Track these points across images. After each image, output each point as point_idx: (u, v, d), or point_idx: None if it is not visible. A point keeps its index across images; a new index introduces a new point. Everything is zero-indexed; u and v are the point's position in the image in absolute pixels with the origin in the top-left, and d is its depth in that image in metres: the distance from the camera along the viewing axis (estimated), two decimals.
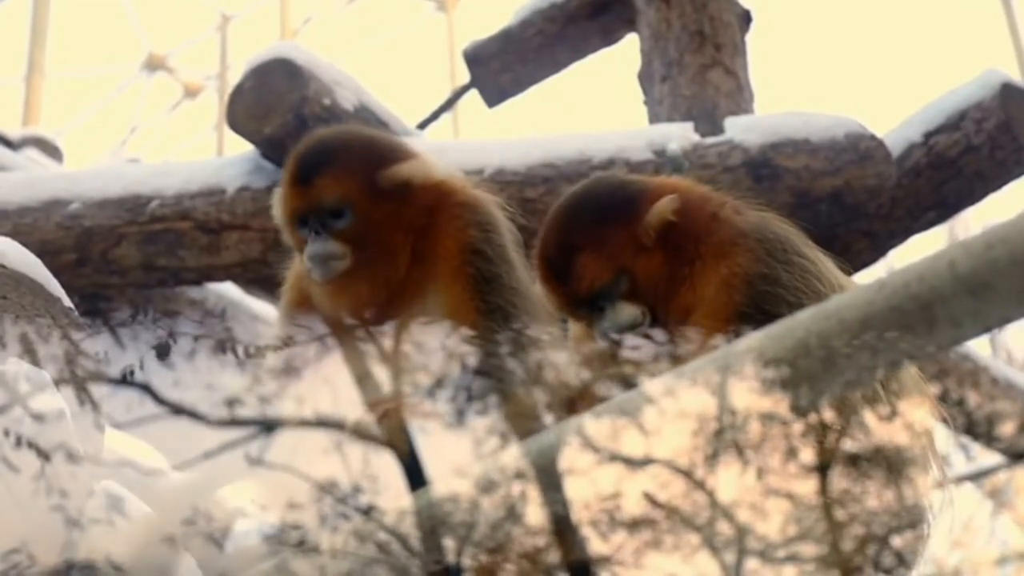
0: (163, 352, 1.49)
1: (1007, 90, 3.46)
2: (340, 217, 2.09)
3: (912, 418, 1.63)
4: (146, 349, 1.52)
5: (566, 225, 2.16)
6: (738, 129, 3.35)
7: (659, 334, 1.68)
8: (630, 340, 1.86)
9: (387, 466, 1.43)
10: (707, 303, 1.99)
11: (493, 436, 1.40)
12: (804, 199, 3.24)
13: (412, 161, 2.16)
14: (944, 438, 1.95)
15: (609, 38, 4.12)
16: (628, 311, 2.06)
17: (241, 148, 3.39)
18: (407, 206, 2.12)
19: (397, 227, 2.11)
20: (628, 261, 2.08)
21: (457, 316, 1.99)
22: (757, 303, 1.95)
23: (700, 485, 1.29)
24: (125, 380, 1.42)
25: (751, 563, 1.28)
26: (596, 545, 1.32)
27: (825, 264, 2.07)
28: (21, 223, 3.26)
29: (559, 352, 1.64)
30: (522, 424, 1.44)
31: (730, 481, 1.29)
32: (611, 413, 1.36)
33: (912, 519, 1.57)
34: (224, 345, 1.49)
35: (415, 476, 1.46)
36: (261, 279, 3.27)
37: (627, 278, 2.07)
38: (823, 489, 1.31)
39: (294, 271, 2.24)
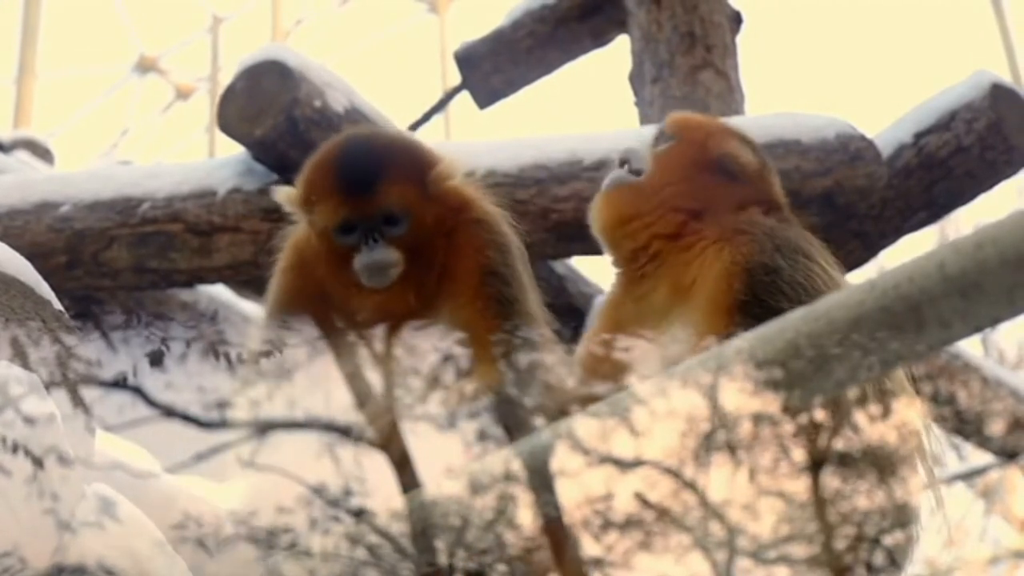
0: (156, 360, 1.49)
1: (997, 91, 3.47)
2: (396, 224, 2.07)
3: (900, 418, 1.64)
4: (138, 352, 1.51)
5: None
6: None
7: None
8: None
9: (378, 468, 1.43)
10: (707, 289, 2.00)
11: (485, 438, 1.40)
12: (795, 200, 3.22)
13: (446, 162, 2.15)
14: (934, 438, 1.95)
15: (600, 39, 4.12)
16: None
17: (233, 150, 3.38)
18: (444, 209, 2.12)
19: (439, 231, 2.11)
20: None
21: (475, 334, 1.98)
22: (756, 292, 1.95)
23: (692, 486, 1.29)
24: (116, 383, 1.42)
25: (741, 563, 1.28)
26: (589, 546, 1.32)
27: (837, 271, 2.07)
28: (11, 225, 3.25)
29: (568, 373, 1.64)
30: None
31: (721, 481, 1.30)
32: (603, 414, 1.36)
33: (901, 519, 1.57)
34: (216, 350, 1.48)
35: (407, 478, 1.46)
36: (252, 281, 3.26)
37: None
38: (812, 489, 1.32)
39: (294, 254, 2.18)
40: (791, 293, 1.94)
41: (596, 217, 2.22)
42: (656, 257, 2.12)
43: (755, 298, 1.93)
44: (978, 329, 1.25)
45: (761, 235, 2.03)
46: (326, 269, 2.11)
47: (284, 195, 2.15)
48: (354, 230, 2.06)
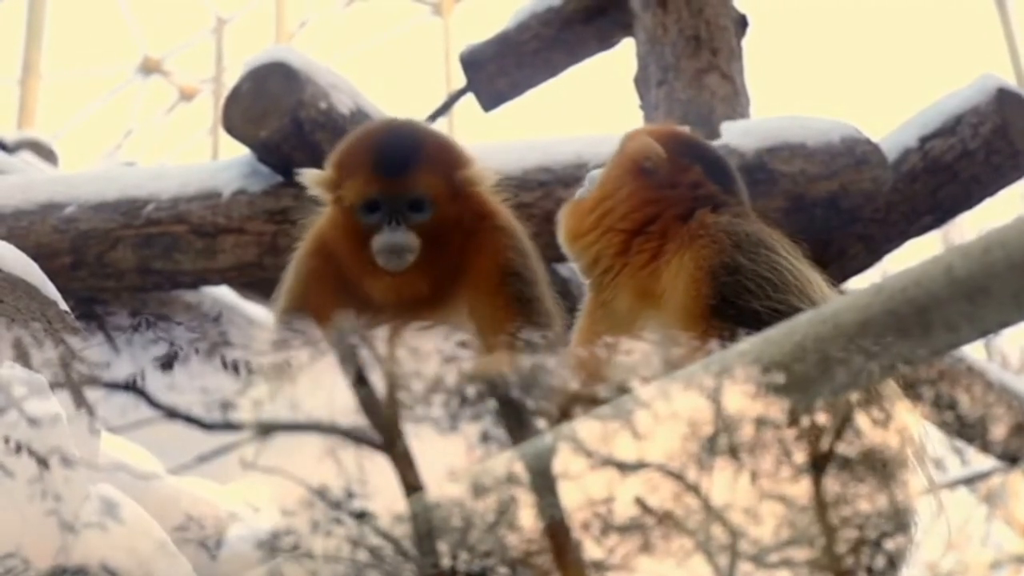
0: (168, 364, 1.49)
1: (1003, 95, 3.46)
2: (420, 210, 2.10)
3: (898, 422, 1.64)
4: (142, 353, 1.51)
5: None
6: (734, 133, 3.35)
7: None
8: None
9: (381, 470, 1.42)
10: (677, 298, 2.01)
11: (488, 440, 1.40)
12: (800, 203, 3.24)
13: (478, 167, 2.18)
14: (934, 443, 1.95)
15: (605, 42, 4.12)
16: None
17: (237, 151, 3.39)
18: (467, 209, 2.15)
19: (458, 229, 2.14)
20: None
21: (493, 332, 1.99)
22: (724, 295, 1.96)
23: (696, 489, 1.29)
24: (120, 384, 1.42)
25: (743, 567, 1.28)
26: (591, 549, 1.32)
27: (801, 261, 2.07)
28: (16, 226, 3.25)
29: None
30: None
31: (725, 485, 1.29)
32: (607, 417, 1.36)
33: (898, 523, 1.57)
34: (224, 361, 1.48)
35: (410, 480, 1.45)
36: (256, 282, 3.26)
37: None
38: (812, 493, 1.31)
39: (317, 239, 2.20)
40: (757, 290, 1.95)
41: (558, 233, 2.29)
42: (609, 271, 2.18)
43: (724, 300, 1.96)
44: (985, 333, 1.24)
45: (718, 234, 2.05)
46: (345, 248, 2.14)
47: (311, 176, 2.18)
48: (378, 210, 2.09)
